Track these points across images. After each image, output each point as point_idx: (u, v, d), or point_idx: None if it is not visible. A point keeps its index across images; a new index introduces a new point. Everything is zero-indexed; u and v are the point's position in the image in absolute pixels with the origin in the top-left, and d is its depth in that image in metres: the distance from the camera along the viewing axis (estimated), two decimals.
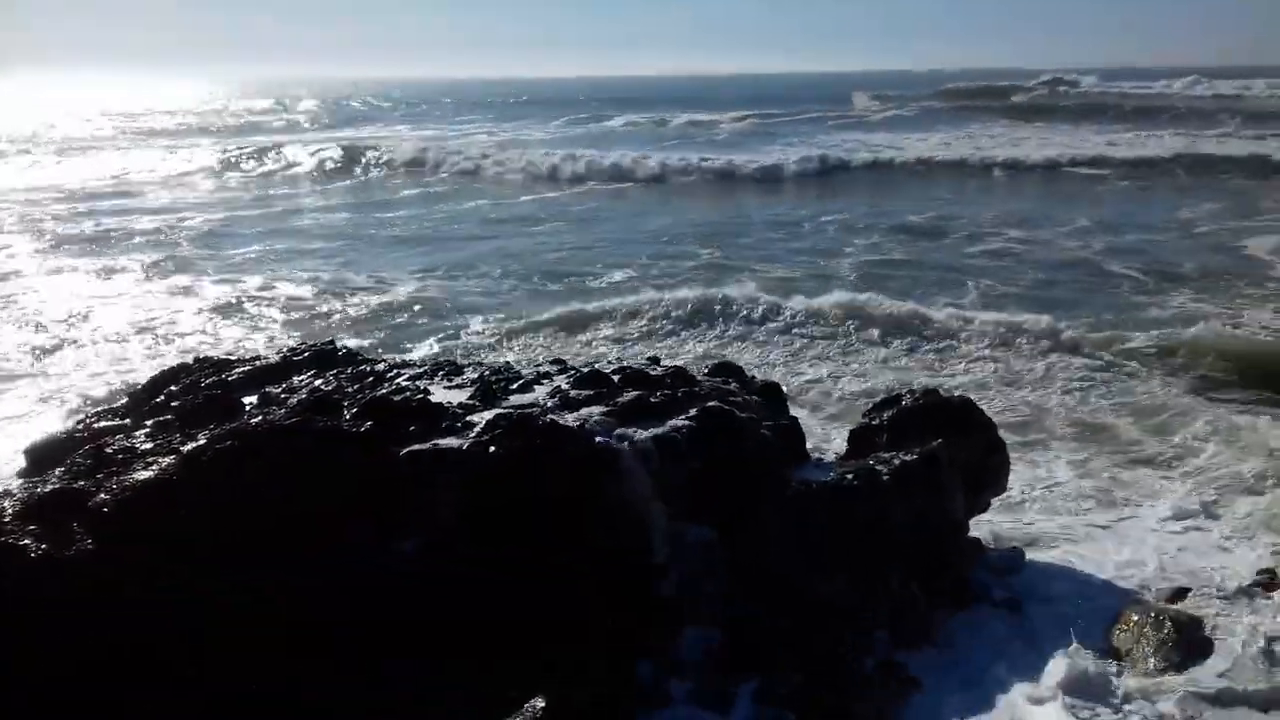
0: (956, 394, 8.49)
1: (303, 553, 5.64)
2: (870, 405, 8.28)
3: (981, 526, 7.96)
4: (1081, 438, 10.48)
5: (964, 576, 7.16)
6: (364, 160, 43.51)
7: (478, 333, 15.58)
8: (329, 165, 43.12)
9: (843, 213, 27.07)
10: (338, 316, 16.91)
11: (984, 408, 8.13)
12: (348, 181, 39.67)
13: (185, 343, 15.24)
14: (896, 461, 7.13)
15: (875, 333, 14.46)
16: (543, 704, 5.05)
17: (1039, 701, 5.75)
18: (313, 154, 44.99)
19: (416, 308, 17.43)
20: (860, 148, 43.56)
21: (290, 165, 43.69)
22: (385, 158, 43.51)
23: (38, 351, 14.70)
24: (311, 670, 5.35)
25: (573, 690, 5.09)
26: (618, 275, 19.75)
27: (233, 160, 44.98)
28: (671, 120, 65.39)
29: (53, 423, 10.31)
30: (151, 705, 5.13)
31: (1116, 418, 10.97)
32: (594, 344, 14.59)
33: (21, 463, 8.02)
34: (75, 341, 15.28)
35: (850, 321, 14.86)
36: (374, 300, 17.86)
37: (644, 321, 15.70)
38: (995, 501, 8.07)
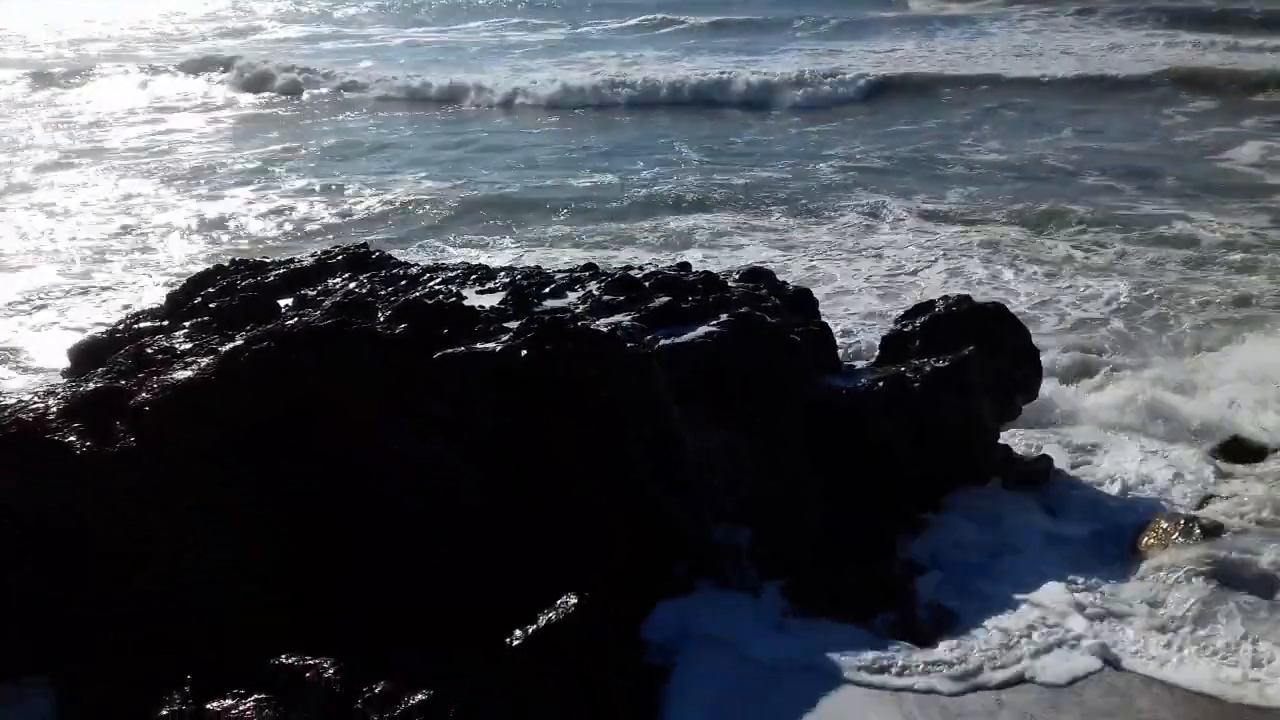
0: (992, 302, 8.39)
1: (335, 448, 5.77)
2: (903, 312, 8.26)
3: (1011, 435, 7.97)
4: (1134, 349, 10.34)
5: (990, 484, 7.20)
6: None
7: None
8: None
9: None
10: None
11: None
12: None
13: None
14: (927, 368, 7.13)
15: None
16: (575, 600, 5.18)
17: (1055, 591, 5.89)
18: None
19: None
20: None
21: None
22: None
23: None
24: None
25: (601, 584, 5.21)
26: None
27: None
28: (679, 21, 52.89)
29: (95, 323, 10.49)
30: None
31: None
32: None
33: (65, 363, 8.22)
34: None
35: None
36: None
37: None
38: (1026, 410, 8.05)
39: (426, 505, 5.73)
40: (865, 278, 12.93)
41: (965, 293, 8.45)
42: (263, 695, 4.52)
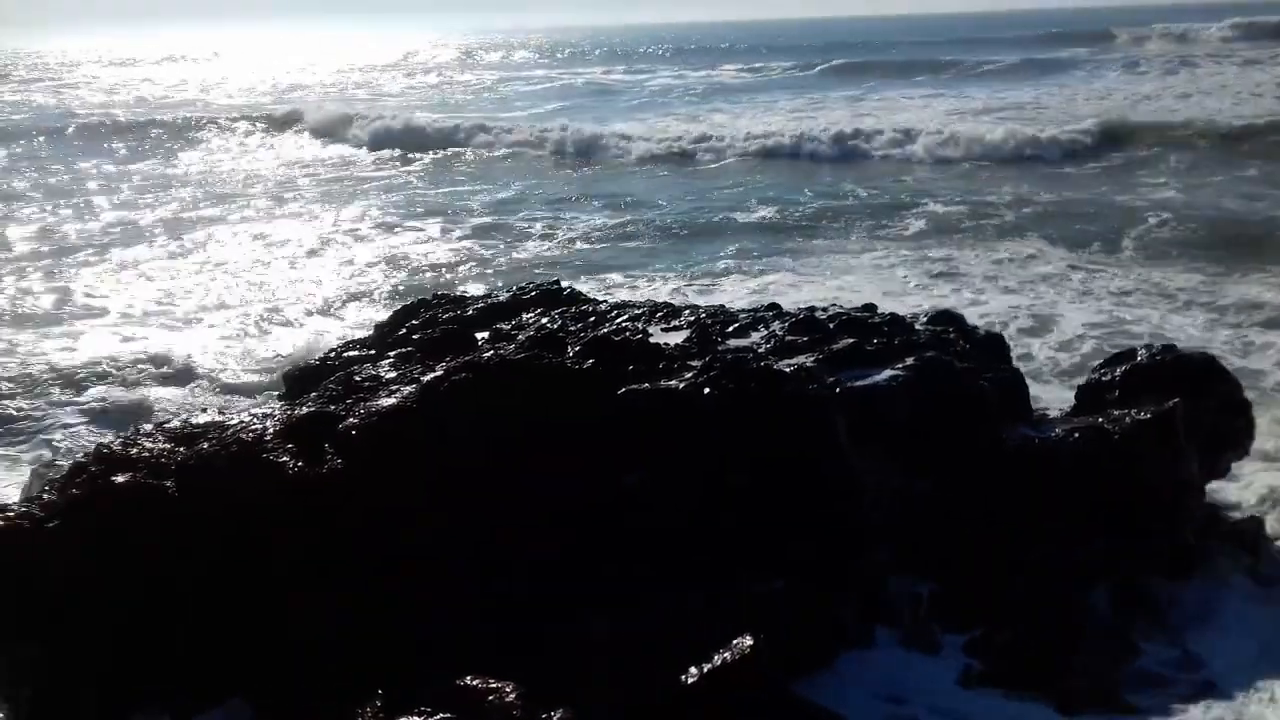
0: (1198, 351, 7.96)
1: (526, 482, 5.98)
2: (1101, 361, 7.92)
3: (1219, 492, 7.49)
4: None
5: (1196, 545, 6.78)
6: None
7: None
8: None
9: None
10: None
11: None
12: None
13: None
14: (1127, 420, 6.80)
15: None
16: (750, 641, 5.18)
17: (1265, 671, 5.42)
18: None
19: None
20: None
21: None
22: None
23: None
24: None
25: (775, 628, 5.19)
26: None
27: None
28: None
29: (310, 352, 11.21)
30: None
31: None
32: None
33: (281, 388, 8.83)
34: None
35: None
36: None
37: None
38: (1235, 467, 7.57)
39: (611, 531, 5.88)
40: (1014, 311, 12.76)
41: (1171, 341, 8.04)
42: (448, 715, 4.72)
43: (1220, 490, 7.57)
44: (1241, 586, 6.55)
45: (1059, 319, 12.39)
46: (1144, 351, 7.55)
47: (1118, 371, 7.44)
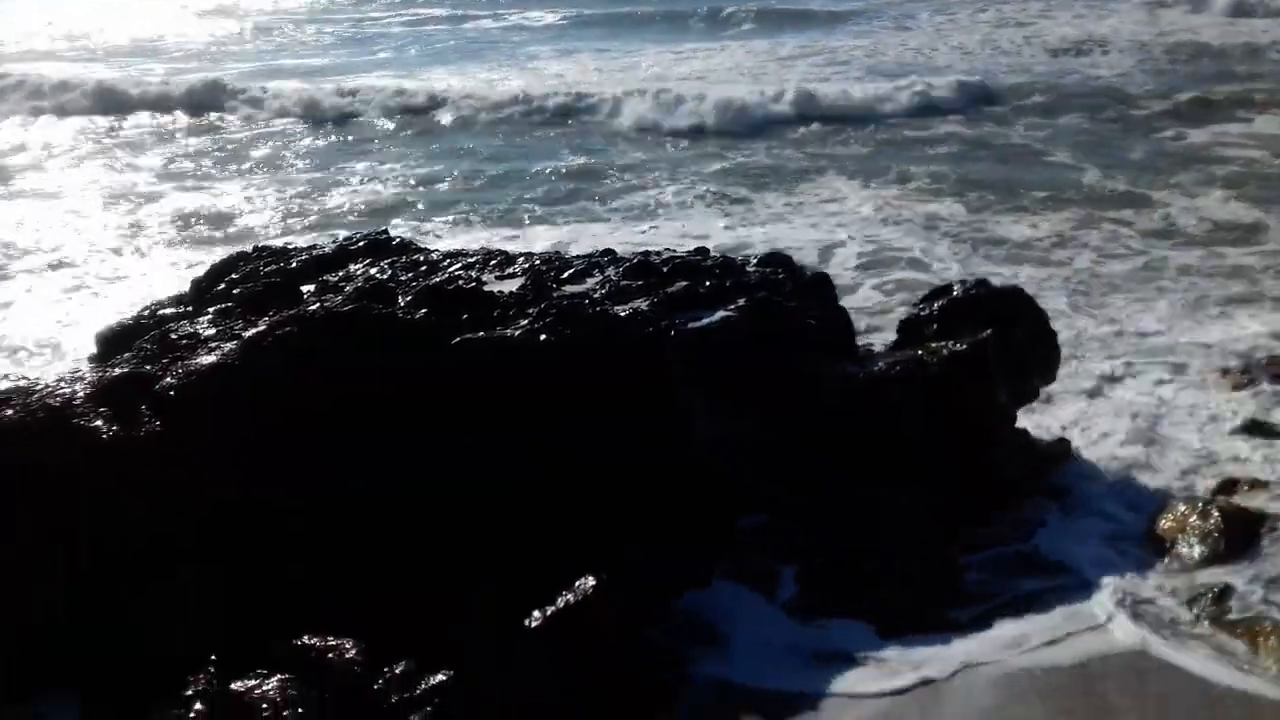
0: (1009, 283, 8.40)
1: (355, 436, 5.85)
2: (921, 296, 8.27)
3: (1027, 417, 7.96)
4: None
5: (1010, 467, 7.20)
6: None
7: None
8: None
9: None
10: None
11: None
12: None
13: None
14: (945, 352, 7.13)
15: None
16: (592, 583, 5.24)
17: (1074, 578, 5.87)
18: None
19: None
20: None
21: None
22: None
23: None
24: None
25: (617, 570, 5.27)
26: None
27: None
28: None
29: (122, 310, 10.59)
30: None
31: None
32: None
33: (92, 348, 8.34)
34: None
35: None
36: None
37: None
38: (1044, 391, 8.06)
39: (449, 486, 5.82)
40: (802, 244, 13.48)
41: (982, 276, 8.43)
42: (286, 675, 4.61)
43: (1031, 415, 8.05)
44: (1051, 507, 7.01)
45: (839, 248, 13.44)
46: (959, 286, 7.90)
47: (935, 306, 7.77)
